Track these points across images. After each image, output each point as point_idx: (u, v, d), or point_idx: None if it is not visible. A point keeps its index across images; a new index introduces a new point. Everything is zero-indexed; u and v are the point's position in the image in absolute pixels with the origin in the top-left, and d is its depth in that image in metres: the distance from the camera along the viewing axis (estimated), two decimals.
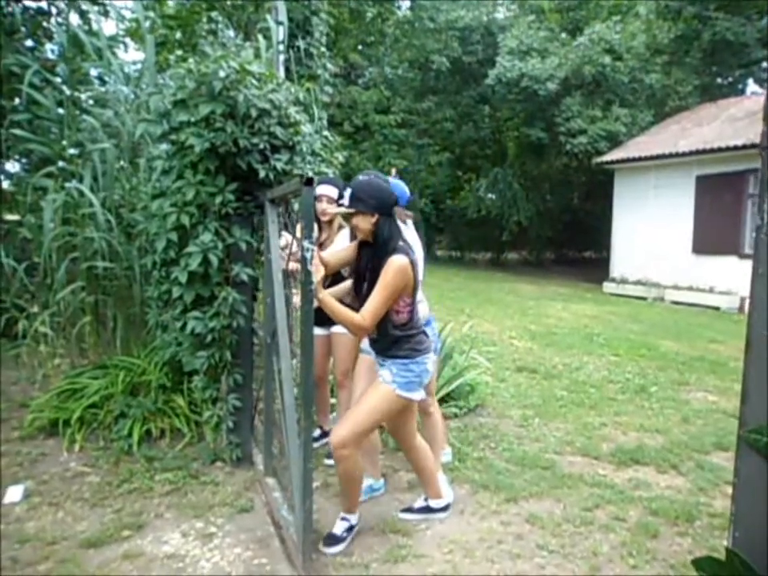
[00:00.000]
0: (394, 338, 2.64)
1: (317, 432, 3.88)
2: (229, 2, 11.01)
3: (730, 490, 3.37)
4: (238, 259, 3.38)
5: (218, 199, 3.25)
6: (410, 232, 3.00)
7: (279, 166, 3.24)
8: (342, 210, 2.63)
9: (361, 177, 2.66)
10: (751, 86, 20.27)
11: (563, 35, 18.41)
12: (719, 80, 19.29)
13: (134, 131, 4.29)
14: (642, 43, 16.98)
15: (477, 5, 18.98)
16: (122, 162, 4.47)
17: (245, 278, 3.35)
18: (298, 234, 2.72)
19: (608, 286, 14.11)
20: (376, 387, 2.68)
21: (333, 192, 3.49)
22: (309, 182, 2.29)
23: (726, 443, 4.20)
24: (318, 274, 2.41)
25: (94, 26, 5.56)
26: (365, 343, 3.02)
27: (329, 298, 2.52)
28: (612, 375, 6.05)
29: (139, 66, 5.64)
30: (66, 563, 2.55)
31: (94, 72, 5.32)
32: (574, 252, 22.10)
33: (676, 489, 3.48)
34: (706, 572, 0.53)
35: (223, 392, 3.53)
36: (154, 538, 2.78)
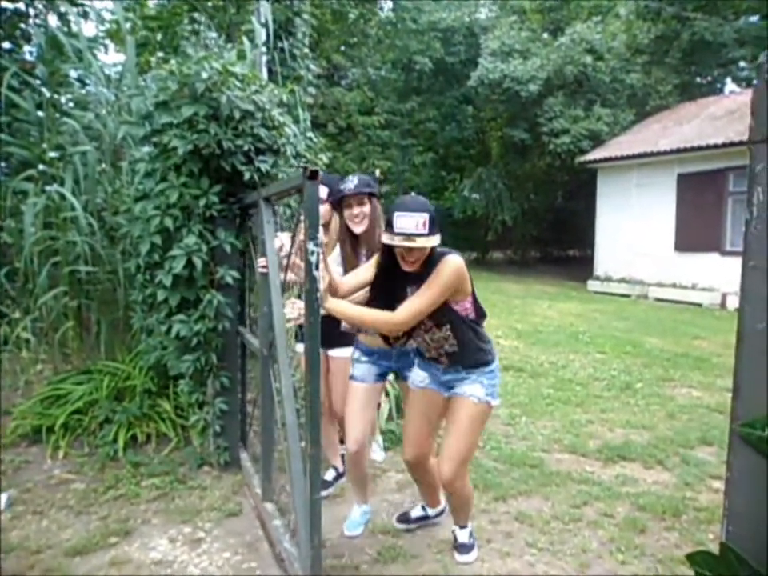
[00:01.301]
0: (476, 346, 2.42)
1: (330, 474, 3.40)
2: (210, 3, 10.95)
3: (715, 484, 3.43)
4: (223, 262, 3.35)
5: (202, 201, 3.22)
6: None
7: (264, 167, 3.22)
8: (419, 244, 2.15)
9: (411, 198, 2.31)
10: (729, 84, 20.53)
11: (545, 35, 18.54)
12: (698, 79, 19.52)
13: (115, 133, 4.24)
14: (622, 43, 17.16)
15: (459, 5, 19.06)
16: (103, 165, 4.42)
17: (230, 280, 3.33)
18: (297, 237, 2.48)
19: (592, 284, 14.22)
20: (468, 409, 2.42)
21: (322, 191, 3.24)
22: (313, 175, 1.98)
23: (710, 438, 4.24)
24: (323, 280, 2.15)
25: (74, 28, 5.50)
26: (359, 370, 2.77)
27: (342, 303, 2.27)
28: (598, 373, 6.09)
29: (120, 67, 5.58)
30: (52, 572, 2.52)
31: (73, 74, 5.25)
32: (559, 250, 22.25)
33: (662, 484, 3.51)
34: (701, 567, 0.53)
35: (209, 396, 3.50)
36: (141, 545, 2.75)
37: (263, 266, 2.81)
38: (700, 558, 0.56)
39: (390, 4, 19.70)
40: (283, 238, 2.95)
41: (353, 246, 2.82)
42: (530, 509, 3.15)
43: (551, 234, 20.91)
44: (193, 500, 3.17)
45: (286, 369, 2.45)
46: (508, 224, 18.75)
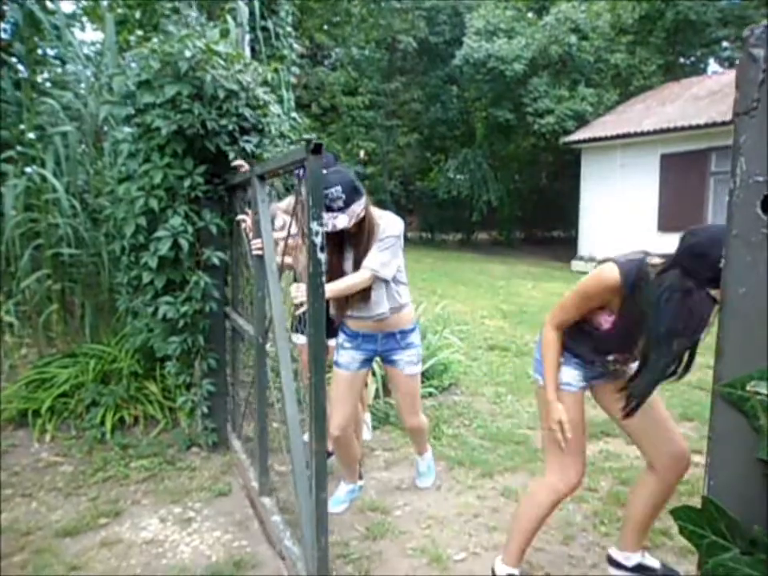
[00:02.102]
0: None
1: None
2: None
3: (695, 458, 3.49)
4: (209, 243, 3.34)
5: (187, 182, 3.19)
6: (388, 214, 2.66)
7: (249, 148, 3.20)
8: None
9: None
10: (712, 65, 20.62)
11: (530, 15, 18.45)
12: (682, 59, 19.59)
13: (97, 114, 4.18)
14: (606, 23, 17.11)
15: None
16: (84, 146, 4.35)
17: (216, 261, 3.32)
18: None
19: (576, 264, 14.32)
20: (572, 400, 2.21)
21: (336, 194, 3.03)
22: (317, 148, 1.78)
23: (691, 414, 4.33)
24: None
25: (50, 5, 5.37)
26: (343, 357, 2.75)
27: (328, 284, 2.18)
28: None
29: (98, 46, 5.47)
30: (42, 553, 2.53)
31: (51, 52, 5.14)
32: (543, 231, 22.35)
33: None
34: (684, 521, 0.56)
35: (197, 377, 3.50)
36: (131, 525, 2.77)
37: (258, 248, 2.64)
38: (682, 512, 0.58)
39: None
40: (286, 219, 2.78)
41: (336, 245, 2.56)
42: (516, 484, 3.21)
43: (536, 214, 20.98)
44: (182, 481, 3.19)
45: (286, 359, 2.29)
46: (493, 205, 18.78)
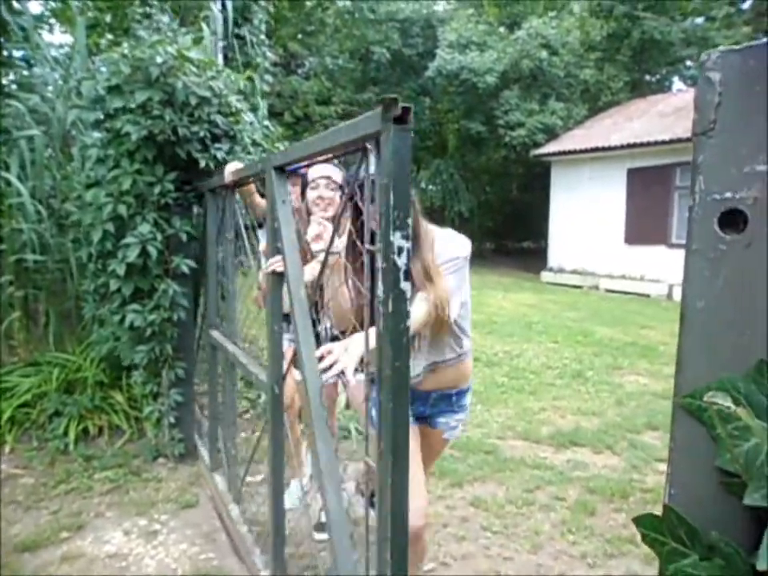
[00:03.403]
0: None
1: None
2: None
3: (660, 466, 3.56)
4: (179, 250, 3.30)
5: (157, 189, 3.16)
6: None
7: (220, 155, 3.18)
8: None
9: None
10: (677, 83, 21.19)
11: (501, 29, 18.72)
12: (648, 77, 20.07)
13: (64, 118, 4.11)
14: (576, 39, 17.48)
15: None
16: (50, 150, 4.27)
17: (186, 269, 3.28)
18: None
19: (546, 275, 14.52)
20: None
21: (333, 172, 2.57)
22: (404, 114, 1.13)
23: (656, 423, 4.42)
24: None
25: (17, 5, 5.27)
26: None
27: None
28: (550, 361, 6.25)
29: (66, 49, 5.39)
30: (1, 569, 2.45)
31: (18, 54, 5.04)
32: (514, 242, 22.61)
33: (611, 468, 3.64)
34: (646, 528, 0.57)
35: (164, 387, 3.45)
36: (94, 538, 2.70)
37: (276, 265, 1.94)
38: (645, 520, 0.60)
39: None
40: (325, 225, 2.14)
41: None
42: (485, 494, 3.23)
43: (506, 225, 21.22)
44: (148, 492, 3.13)
45: (324, 434, 1.62)
46: (465, 215, 18.95)
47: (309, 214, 2.51)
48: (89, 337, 4.01)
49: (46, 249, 4.02)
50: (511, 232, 21.87)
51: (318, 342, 1.75)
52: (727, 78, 0.44)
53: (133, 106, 3.01)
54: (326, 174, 2.56)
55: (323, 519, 2.62)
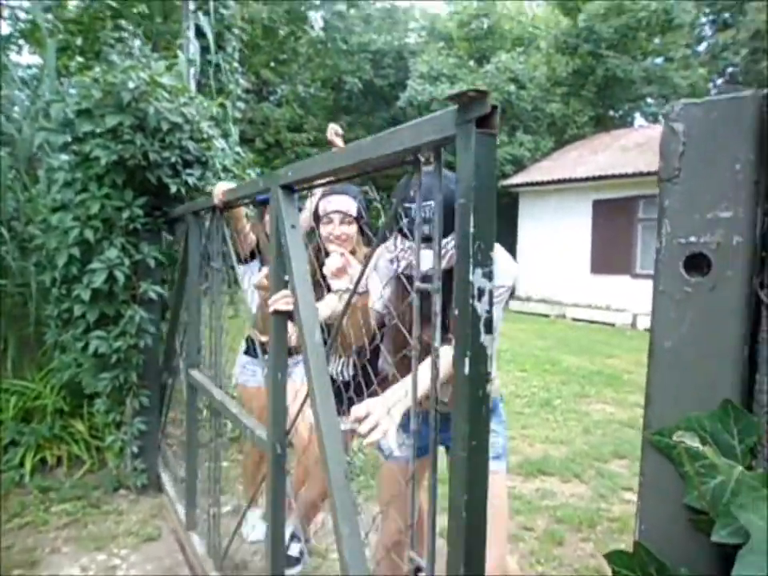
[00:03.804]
0: None
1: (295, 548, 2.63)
2: (135, 10, 10.66)
3: (626, 495, 3.59)
4: (146, 276, 3.25)
5: (126, 214, 3.12)
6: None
7: (191, 180, 3.16)
8: None
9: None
10: (638, 119, 21.95)
11: (471, 62, 19.20)
12: (611, 112, 20.73)
13: (31, 139, 4.04)
14: (543, 75, 18.04)
15: (389, 29, 19.46)
16: (15, 172, 4.19)
17: (153, 295, 3.22)
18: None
19: (513, 304, 14.69)
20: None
21: (349, 206, 2.28)
22: (490, 114, 0.90)
23: (623, 451, 4.46)
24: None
25: None
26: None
27: None
28: (519, 390, 6.29)
29: (35, 70, 5.33)
30: None
31: None
32: None
33: (579, 496, 3.66)
34: (617, 565, 0.58)
35: (128, 415, 3.36)
36: None
37: (282, 302, 1.64)
38: (616, 556, 0.61)
39: (321, 23, 19.86)
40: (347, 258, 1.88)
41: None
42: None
43: None
44: (108, 525, 3.02)
45: (347, 511, 1.36)
46: None
47: (319, 251, 2.14)
48: (49, 363, 3.89)
49: (6, 272, 3.92)
50: None
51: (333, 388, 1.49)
52: (690, 129, 0.46)
53: (103, 130, 2.98)
54: (341, 207, 2.24)
55: (293, 552, 2.57)
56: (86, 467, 3.54)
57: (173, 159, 3.11)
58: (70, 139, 3.19)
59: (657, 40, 19.34)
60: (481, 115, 0.86)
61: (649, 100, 20.43)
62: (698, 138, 0.46)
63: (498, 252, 1.70)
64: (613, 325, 12.19)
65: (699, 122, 0.46)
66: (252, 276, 2.38)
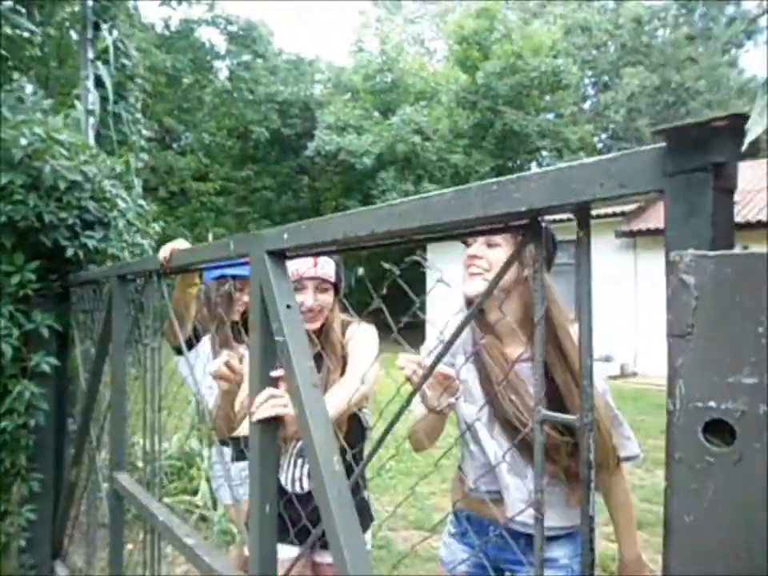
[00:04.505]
0: None
1: None
2: (27, 53, 10.17)
3: None
4: (39, 347, 2.95)
5: (15, 279, 2.83)
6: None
7: (91, 244, 2.93)
8: None
9: None
10: (534, 169, 23.39)
11: (376, 114, 19.79)
12: (510, 163, 21.93)
13: None
14: (446, 127, 18.86)
15: (295, 81, 19.74)
16: None
17: (47, 368, 2.92)
18: None
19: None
20: None
21: (328, 269, 1.98)
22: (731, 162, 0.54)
23: None
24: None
25: None
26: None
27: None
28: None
29: None
30: None
31: None
32: (393, 318, 23.08)
33: None
34: None
35: (14, 503, 2.99)
36: None
37: (270, 405, 1.22)
38: None
39: (226, 72, 19.83)
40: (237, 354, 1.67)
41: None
42: None
43: (385, 301, 21.64)
44: None
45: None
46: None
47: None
48: None
49: None
50: (390, 307, 22.36)
51: None
52: (703, 283, 0.43)
53: None
54: (318, 272, 1.91)
55: None
56: None
57: (71, 221, 2.88)
58: None
59: (548, 97, 20.84)
60: (719, 162, 0.52)
61: (544, 153, 21.85)
62: (712, 294, 0.42)
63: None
64: None
65: (712, 275, 0.42)
66: (195, 361, 2.06)
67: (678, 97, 24.52)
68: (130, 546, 2.68)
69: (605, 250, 12.10)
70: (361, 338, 1.88)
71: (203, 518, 3.84)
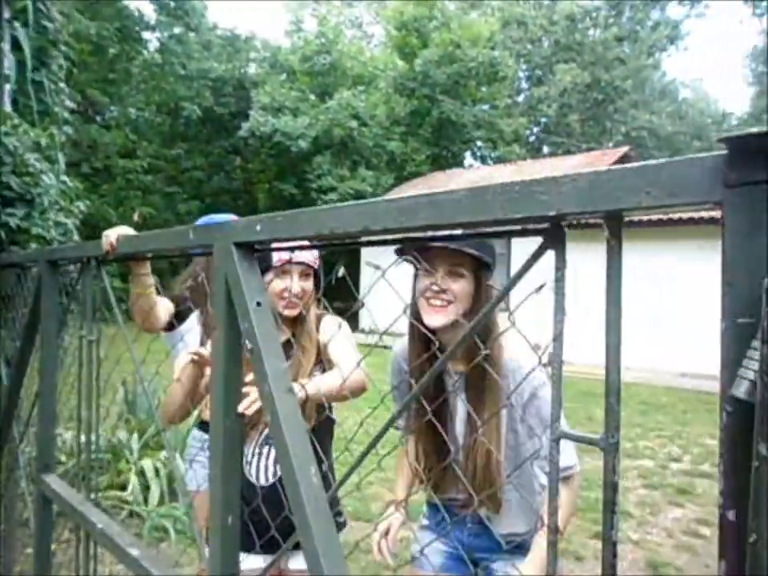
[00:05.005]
0: None
1: None
2: None
3: None
4: None
5: None
6: None
7: (13, 222, 2.70)
8: None
9: None
10: (468, 159, 23.71)
11: (313, 97, 19.46)
12: (445, 152, 22.14)
13: None
14: (383, 113, 18.78)
15: (229, 57, 19.10)
16: None
17: None
18: None
19: (358, 337, 14.82)
20: None
21: (313, 255, 1.94)
22: None
23: None
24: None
25: None
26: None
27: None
28: (372, 428, 6.24)
29: None
30: None
31: None
32: (329, 301, 22.94)
33: None
34: None
35: None
36: None
37: (252, 404, 1.25)
38: None
39: (156, 44, 18.94)
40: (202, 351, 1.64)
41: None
42: None
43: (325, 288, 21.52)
44: None
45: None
46: None
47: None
48: None
49: None
50: (325, 292, 22.21)
51: None
52: None
53: None
54: (304, 257, 1.86)
55: None
56: None
57: None
58: None
59: (484, 89, 21.10)
60: None
61: (479, 143, 22.16)
62: None
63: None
64: None
65: None
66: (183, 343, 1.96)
67: (606, 95, 25.44)
68: (53, 547, 2.50)
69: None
70: (342, 332, 1.85)
71: (132, 514, 3.66)
